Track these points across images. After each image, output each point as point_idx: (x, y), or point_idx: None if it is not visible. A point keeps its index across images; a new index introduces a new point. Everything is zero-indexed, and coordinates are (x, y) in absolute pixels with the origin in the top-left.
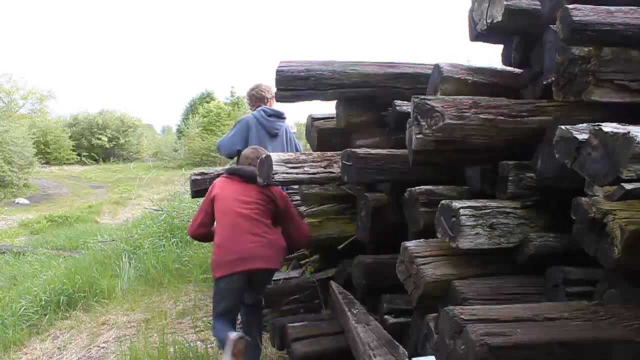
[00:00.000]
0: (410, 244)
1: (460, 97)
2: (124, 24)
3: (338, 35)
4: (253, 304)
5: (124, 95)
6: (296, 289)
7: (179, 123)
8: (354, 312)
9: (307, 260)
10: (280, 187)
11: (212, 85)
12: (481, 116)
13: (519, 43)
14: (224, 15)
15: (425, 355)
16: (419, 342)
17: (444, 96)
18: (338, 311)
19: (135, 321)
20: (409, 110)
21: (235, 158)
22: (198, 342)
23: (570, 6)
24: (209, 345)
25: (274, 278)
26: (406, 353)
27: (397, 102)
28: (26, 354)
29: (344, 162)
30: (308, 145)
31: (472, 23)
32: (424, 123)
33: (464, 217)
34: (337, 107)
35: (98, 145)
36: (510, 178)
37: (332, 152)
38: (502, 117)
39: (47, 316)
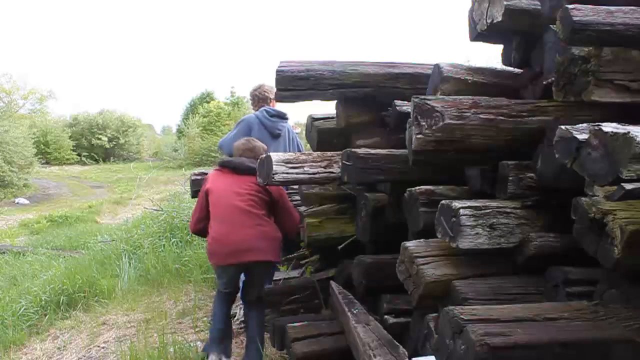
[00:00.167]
0: (410, 244)
1: (460, 97)
2: (124, 24)
3: (338, 35)
4: (254, 301)
5: (124, 95)
6: (296, 289)
7: (179, 123)
8: (354, 312)
9: (307, 260)
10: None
11: (212, 85)
12: (481, 116)
13: (519, 43)
14: (224, 15)
15: (425, 355)
16: (419, 342)
17: (444, 96)
18: (338, 311)
19: (135, 321)
20: (409, 110)
21: None
22: (198, 342)
23: (570, 6)
24: None
25: (274, 278)
26: (406, 353)
27: (397, 102)
28: (26, 354)
29: (344, 162)
30: (308, 145)
31: (472, 23)
32: (424, 123)
33: (464, 217)
34: (337, 107)
35: (98, 145)
36: (510, 178)
37: (332, 152)
38: (502, 117)
39: (47, 316)
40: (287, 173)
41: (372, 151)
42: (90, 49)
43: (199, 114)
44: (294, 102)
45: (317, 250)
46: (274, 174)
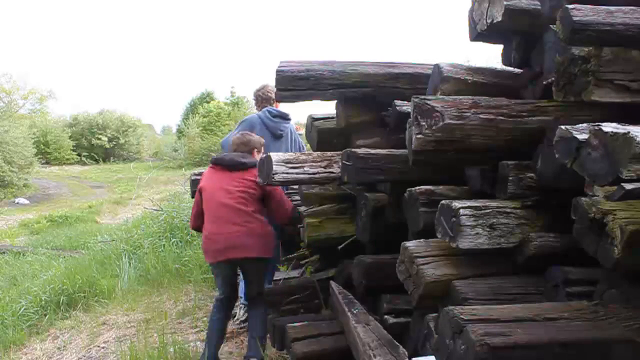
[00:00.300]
0: (410, 244)
1: (460, 97)
2: (124, 24)
3: (338, 35)
4: (254, 297)
5: (124, 95)
6: (296, 289)
7: (179, 123)
8: (354, 312)
9: (307, 260)
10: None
11: (212, 85)
12: (481, 116)
13: (519, 43)
14: (224, 15)
15: (426, 355)
16: (419, 342)
17: (444, 96)
18: (338, 311)
19: (135, 321)
20: (409, 110)
21: None
22: (198, 342)
23: (570, 6)
24: None
25: (274, 278)
26: (406, 353)
27: (397, 102)
28: (26, 354)
29: (344, 162)
30: (308, 145)
31: (472, 23)
32: (424, 123)
33: (464, 217)
34: (337, 107)
35: (98, 145)
36: (510, 178)
37: (332, 152)
38: (502, 117)
39: (47, 316)
40: (287, 173)
41: (372, 151)
42: (90, 49)
43: (199, 114)
44: (294, 102)
45: (317, 250)
46: (274, 174)
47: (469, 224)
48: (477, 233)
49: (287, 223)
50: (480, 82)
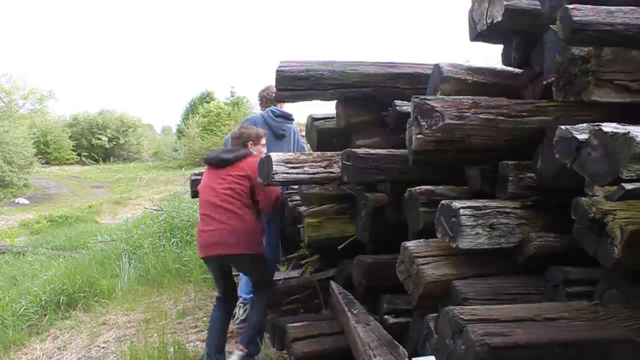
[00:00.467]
0: (410, 244)
1: (460, 97)
2: (124, 24)
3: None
4: (256, 285)
5: (124, 95)
6: (296, 289)
7: (179, 123)
8: (354, 312)
9: (307, 260)
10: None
11: (212, 85)
12: (481, 116)
13: (519, 43)
14: (224, 15)
15: (425, 355)
16: (419, 342)
17: (444, 96)
18: (338, 311)
19: (135, 321)
20: (409, 110)
21: None
22: (198, 342)
23: (570, 6)
24: None
25: (275, 278)
26: (406, 353)
27: (397, 102)
28: (26, 354)
29: (344, 162)
30: (308, 145)
31: (472, 23)
32: (424, 123)
33: (464, 217)
34: (337, 107)
35: (98, 145)
36: (510, 178)
37: (332, 152)
38: (502, 117)
39: (47, 316)
40: (287, 173)
41: (372, 151)
42: (90, 49)
43: (199, 114)
44: (294, 102)
45: (317, 250)
46: (274, 174)
47: (469, 224)
48: (477, 233)
49: (270, 212)
50: (480, 82)
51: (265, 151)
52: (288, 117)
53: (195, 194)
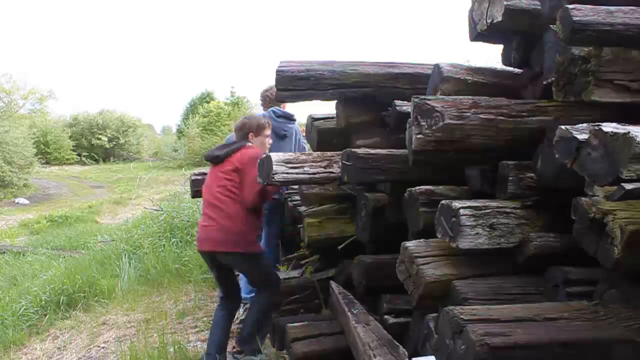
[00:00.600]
0: (410, 244)
1: (460, 97)
2: (124, 24)
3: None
4: (255, 285)
5: (124, 95)
6: (296, 289)
7: (179, 123)
8: (354, 312)
9: (307, 260)
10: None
11: (212, 85)
12: (481, 116)
13: (519, 43)
14: (224, 15)
15: (425, 355)
16: (419, 342)
17: (444, 96)
18: (338, 311)
19: (135, 321)
20: (409, 110)
21: None
22: (198, 342)
23: (570, 6)
24: None
25: None
26: (406, 353)
27: (397, 102)
28: (26, 354)
29: (344, 162)
30: (309, 146)
31: (472, 23)
32: (424, 123)
33: (464, 217)
34: (337, 107)
35: (98, 145)
36: (510, 178)
37: (332, 152)
38: (502, 117)
39: (47, 316)
40: (287, 173)
41: (372, 151)
42: (90, 49)
43: (199, 114)
44: (294, 102)
45: (317, 250)
46: (274, 174)
47: (469, 224)
48: (477, 233)
49: (251, 203)
50: (480, 82)
51: (270, 142)
52: (290, 118)
53: (195, 194)
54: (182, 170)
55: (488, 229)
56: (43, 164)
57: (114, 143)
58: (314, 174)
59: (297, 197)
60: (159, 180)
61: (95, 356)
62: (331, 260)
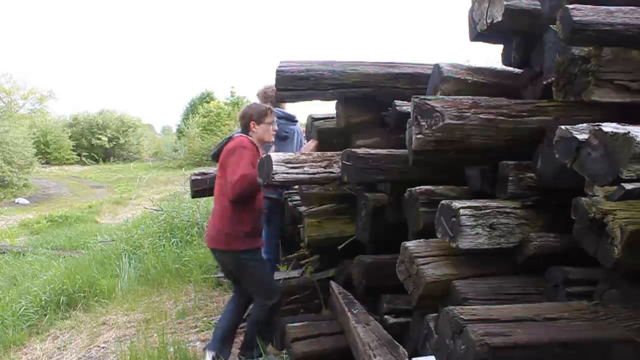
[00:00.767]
0: (410, 244)
1: (460, 97)
2: (124, 24)
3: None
4: (250, 293)
5: (124, 95)
6: (296, 289)
7: (179, 123)
8: (354, 312)
9: (307, 260)
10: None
11: (212, 85)
12: (481, 116)
13: (519, 43)
14: (224, 15)
15: (425, 355)
16: (419, 342)
17: (444, 96)
18: (338, 311)
19: (135, 321)
20: (409, 110)
21: None
22: (198, 342)
23: (570, 6)
24: None
25: (275, 278)
26: (406, 353)
27: (397, 102)
28: (26, 354)
29: (344, 162)
30: None
31: (472, 23)
32: (424, 123)
33: (464, 217)
34: (337, 107)
35: (98, 145)
36: (510, 178)
37: (332, 152)
38: (502, 117)
39: (47, 316)
40: (287, 173)
41: (372, 151)
42: (90, 49)
43: (199, 114)
44: (294, 102)
45: (317, 250)
46: (274, 174)
47: (469, 224)
48: (477, 233)
49: (231, 193)
50: (480, 82)
51: (276, 128)
52: (291, 119)
53: (195, 194)
54: (182, 170)
55: (488, 229)
56: (43, 164)
57: (114, 143)
58: (314, 174)
59: (297, 197)
60: (159, 180)
61: (95, 356)
62: (331, 260)
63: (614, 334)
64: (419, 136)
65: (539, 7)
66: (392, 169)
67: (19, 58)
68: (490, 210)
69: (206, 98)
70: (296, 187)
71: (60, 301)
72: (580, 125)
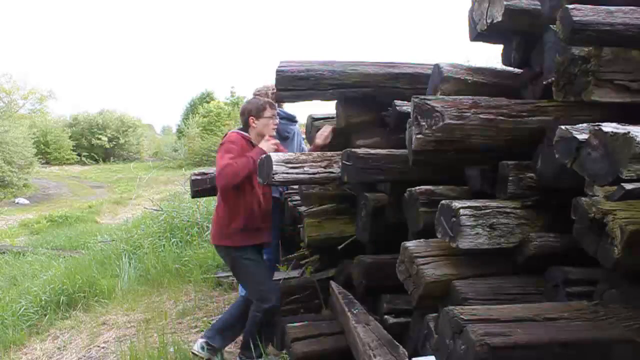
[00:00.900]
0: (410, 244)
1: (460, 97)
2: (124, 23)
3: (338, 35)
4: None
5: (124, 95)
6: (296, 289)
7: (179, 123)
8: (354, 312)
9: (307, 260)
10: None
11: (212, 85)
12: (481, 116)
13: (519, 43)
14: (224, 15)
15: (425, 355)
16: (419, 342)
17: (444, 96)
18: (338, 311)
19: (135, 321)
20: (409, 110)
21: None
22: None
23: (570, 6)
24: None
25: (275, 278)
26: (406, 353)
27: (397, 102)
28: (26, 354)
29: (344, 162)
30: (309, 146)
31: (472, 23)
32: (424, 123)
33: (464, 217)
34: (337, 107)
35: (98, 145)
36: (510, 178)
37: (332, 152)
38: (502, 117)
39: (47, 316)
40: (287, 173)
41: (372, 151)
42: (90, 49)
43: (199, 114)
44: (294, 102)
45: (317, 250)
46: (274, 174)
47: (469, 224)
48: (477, 233)
49: (220, 184)
50: (480, 82)
51: (277, 122)
52: (292, 119)
53: (195, 194)
54: (182, 170)
55: (488, 229)
56: (43, 164)
57: (114, 143)
58: (314, 174)
59: (297, 197)
60: (159, 180)
61: (95, 356)
62: (331, 260)
63: (614, 334)
64: (419, 136)
65: (539, 7)
66: (392, 169)
67: (19, 58)
68: (490, 210)
69: (206, 98)
70: (296, 187)
71: (60, 301)
72: (580, 125)
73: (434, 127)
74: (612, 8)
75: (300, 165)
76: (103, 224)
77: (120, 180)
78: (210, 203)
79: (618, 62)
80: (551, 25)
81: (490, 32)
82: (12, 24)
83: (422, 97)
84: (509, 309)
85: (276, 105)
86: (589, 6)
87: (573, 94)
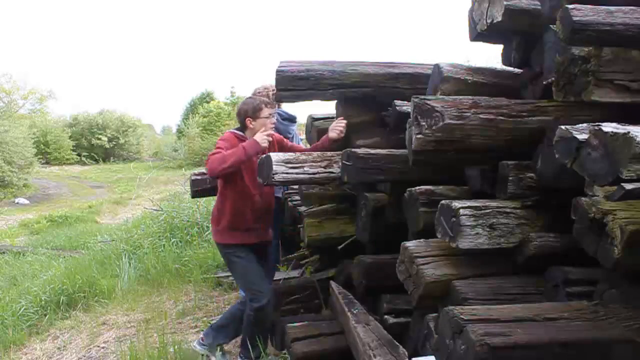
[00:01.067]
0: (410, 244)
1: (460, 97)
2: (124, 23)
3: (338, 35)
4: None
5: (124, 95)
6: (296, 289)
7: (179, 123)
8: (354, 312)
9: (307, 260)
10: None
11: (212, 85)
12: (481, 116)
13: (519, 43)
14: (224, 15)
15: (425, 355)
16: (419, 342)
17: (444, 96)
18: (338, 311)
19: (135, 321)
20: (409, 110)
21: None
22: None
23: (570, 6)
24: None
25: (275, 278)
26: (406, 353)
27: (397, 102)
28: (26, 354)
29: (344, 162)
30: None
31: (472, 23)
32: (424, 123)
33: (464, 217)
34: (337, 107)
35: (98, 145)
36: (510, 178)
37: (332, 152)
38: (502, 117)
39: (47, 316)
40: (287, 173)
41: (372, 151)
42: (90, 49)
43: (199, 114)
44: (294, 102)
45: (317, 250)
46: (274, 174)
47: (469, 224)
48: (477, 233)
49: (210, 172)
50: (480, 82)
51: (274, 121)
52: (293, 120)
53: (195, 194)
54: (182, 170)
55: (488, 229)
56: (43, 164)
57: (114, 143)
58: (314, 174)
59: (297, 197)
60: (159, 180)
61: (95, 356)
62: (331, 260)
63: (614, 334)
64: (419, 136)
65: (539, 7)
66: (392, 169)
67: (19, 58)
68: (490, 210)
69: (206, 98)
70: (296, 187)
71: (60, 301)
72: (580, 125)
73: (434, 127)
74: (612, 8)
75: (300, 165)
76: (103, 224)
77: (120, 180)
78: (210, 203)
79: (618, 62)
80: (551, 25)
81: (490, 32)
82: (12, 24)
83: (422, 97)
84: (509, 309)
85: (275, 104)
86: (589, 6)
87: (573, 94)
